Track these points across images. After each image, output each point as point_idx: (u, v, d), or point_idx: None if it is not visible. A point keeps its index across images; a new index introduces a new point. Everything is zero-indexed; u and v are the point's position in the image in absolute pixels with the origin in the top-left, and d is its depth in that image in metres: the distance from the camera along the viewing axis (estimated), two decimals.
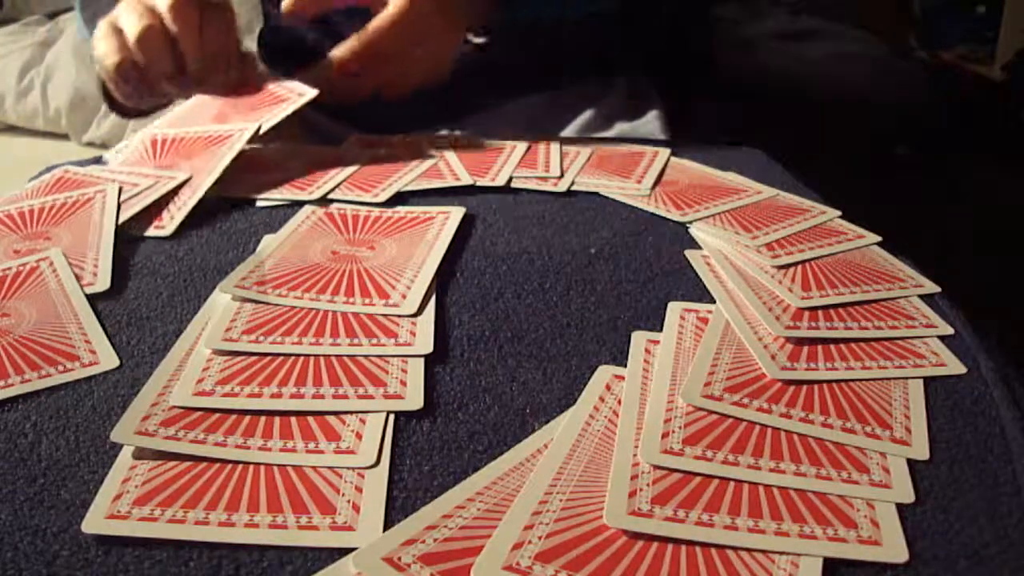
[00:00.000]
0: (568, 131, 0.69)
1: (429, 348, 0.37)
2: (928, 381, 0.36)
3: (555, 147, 0.58)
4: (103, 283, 0.42)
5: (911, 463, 0.32)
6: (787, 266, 0.44)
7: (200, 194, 0.49)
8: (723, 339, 0.38)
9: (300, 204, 0.50)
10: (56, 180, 0.52)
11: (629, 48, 0.72)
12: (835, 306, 0.41)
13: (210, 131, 0.55)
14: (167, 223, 0.47)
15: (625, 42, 0.71)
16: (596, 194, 0.52)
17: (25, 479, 0.31)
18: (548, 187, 0.52)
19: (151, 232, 0.47)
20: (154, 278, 0.43)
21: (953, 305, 0.42)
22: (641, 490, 0.30)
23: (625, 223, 0.49)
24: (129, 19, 0.55)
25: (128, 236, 0.47)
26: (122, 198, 0.49)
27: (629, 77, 0.72)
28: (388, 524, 0.29)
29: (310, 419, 0.33)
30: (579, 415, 0.34)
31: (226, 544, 0.28)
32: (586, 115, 0.69)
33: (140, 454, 0.32)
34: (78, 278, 0.43)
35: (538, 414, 0.34)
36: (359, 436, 0.33)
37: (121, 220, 0.47)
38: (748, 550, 0.28)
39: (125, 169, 0.53)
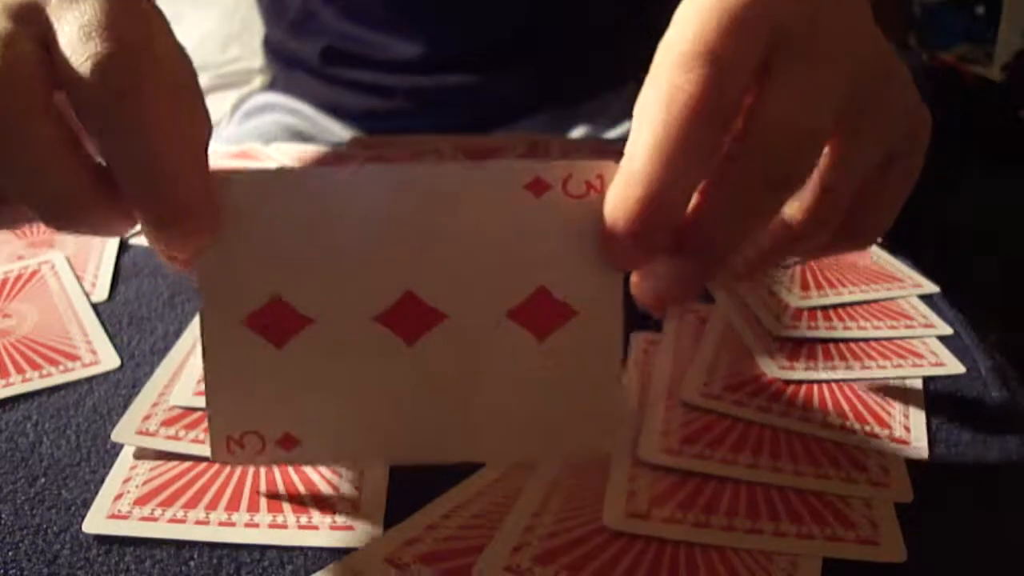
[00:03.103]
0: (573, 134, 0.69)
1: None
2: (927, 381, 0.37)
3: (556, 147, 0.58)
4: (101, 294, 0.42)
5: (910, 463, 0.32)
6: (786, 266, 0.44)
7: None
8: (723, 339, 0.38)
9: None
10: None
11: (636, 52, 0.71)
12: (835, 306, 0.41)
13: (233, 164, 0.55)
14: None
15: (631, 47, 0.70)
16: None
17: (26, 479, 0.31)
18: None
19: (143, 240, 0.47)
20: (154, 278, 0.43)
21: (952, 305, 0.42)
22: (640, 491, 0.30)
23: None
24: None
25: (130, 246, 0.47)
26: None
27: (637, 81, 0.72)
28: (388, 524, 0.29)
29: None
30: None
31: (226, 544, 0.28)
32: (591, 124, 0.68)
33: (141, 454, 0.32)
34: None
35: None
36: None
37: (127, 234, 0.47)
38: (747, 550, 0.28)
39: None
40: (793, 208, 0.26)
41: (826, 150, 0.25)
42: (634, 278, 0.26)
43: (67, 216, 0.24)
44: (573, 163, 0.26)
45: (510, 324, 0.27)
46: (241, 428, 0.28)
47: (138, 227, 0.25)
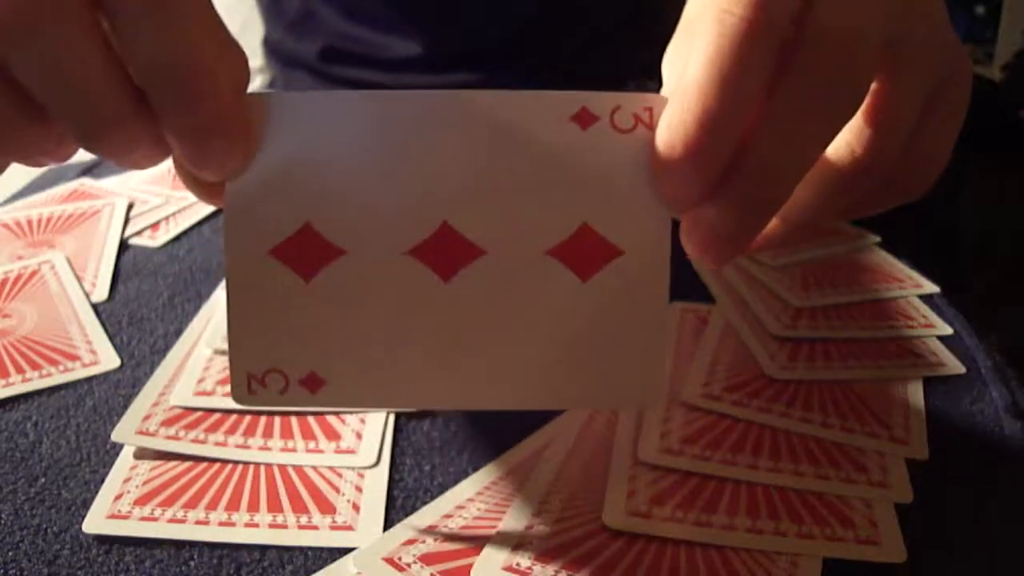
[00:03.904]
0: None
1: None
2: (927, 381, 0.37)
3: None
4: (101, 294, 0.42)
5: (910, 463, 0.32)
6: (787, 266, 0.44)
7: (202, 215, 0.49)
8: (723, 339, 0.38)
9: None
10: (71, 192, 0.53)
11: (636, 53, 0.71)
12: (835, 306, 0.41)
13: None
14: (160, 235, 0.47)
15: (631, 48, 0.70)
16: None
17: (26, 479, 0.31)
18: None
19: (143, 240, 0.47)
20: (154, 278, 0.43)
21: (952, 305, 0.42)
22: (640, 490, 0.30)
23: None
24: None
25: (130, 246, 0.47)
26: (132, 213, 0.50)
27: (638, 81, 0.72)
28: (388, 524, 0.29)
29: (310, 419, 0.33)
30: (579, 415, 0.34)
31: (226, 544, 0.28)
32: None
33: (141, 454, 0.32)
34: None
35: (538, 414, 0.34)
36: (359, 436, 0.33)
37: (127, 234, 0.47)
38: (747, 550, 0.28)
39: (140, 186, 0.53)
40: (852, 142, 0.26)
41: (877, 86, 0.25)
42: (685, 224, 0.25)
43: (100, 129, 0.23)
44: (621, 94, 0.25)
45: (552, 262, 0.25)
46: (263, 366, 0.26)
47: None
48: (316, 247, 0.25)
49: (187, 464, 0.31)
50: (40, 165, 0.27)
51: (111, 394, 0.35)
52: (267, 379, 0.26)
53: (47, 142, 0.25)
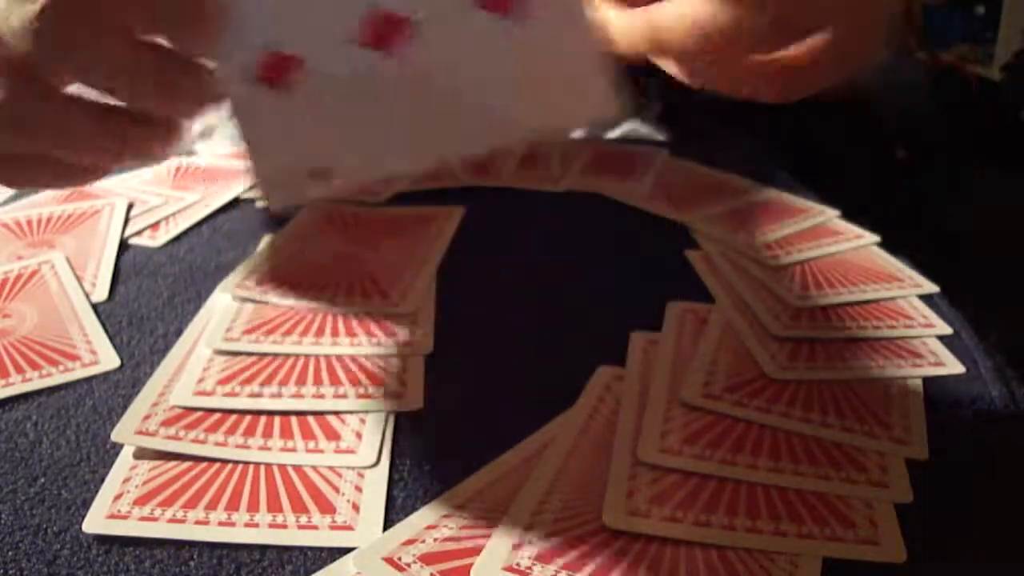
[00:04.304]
0: (573, 135, 0.69)
1: (429, 348, 0.37)
2: (927, 381, 0.37)
3: (555, 147, 0.58)
4: (101, 294, 0.42)
5: (910, 463, 0.32)
6: (786, 266, 0.44)
7: (202, 215, 0.49)
8: (723, 339, 0.38)
9: (301, 204, 0.50)
10: (71, 192, 0.53)
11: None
12: (834, 306, 0.41)
13: (235, 165, 0.55)
14: (160, 235, 0.47)
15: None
16: (596, 194, 0.52)
17: (26, 478, 0.31)
18: (548, 187, 0.52)
19: (143, 240, 0.47)
20: (154, 278, 0.43)
21: (952, 305, 0.42)
22: (640, 490, 0.30)
23: (625, 223, 0.49)
24: None
25: (130, 246, 0.47)
26: (132, 213, 0.50)
27: (636, 81, 0.71)
28: (388, 524, 0.29)
29: (310, 419, 0.33)
30: (578, 415, 0.34)
31: (226, 544, 0.28)
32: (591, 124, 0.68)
33: (141, 454, 0.32)
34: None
35: (538, 414, 0.34)
36: (359, 436, 0.33)
37: (127, 234, 0.47)
38: (747, 550, 0.28)
39: (140, 186, 0.53)
40: None
41: None
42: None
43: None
44: None
45: (476, 8, 0.29)
46: (279, 171, 0.31)
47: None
48: (281, 61, 0.30)
49: (187, 464, 0.31)
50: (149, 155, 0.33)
51: (111, 394, 0.35)
52: (284, 180, 0.32)
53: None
